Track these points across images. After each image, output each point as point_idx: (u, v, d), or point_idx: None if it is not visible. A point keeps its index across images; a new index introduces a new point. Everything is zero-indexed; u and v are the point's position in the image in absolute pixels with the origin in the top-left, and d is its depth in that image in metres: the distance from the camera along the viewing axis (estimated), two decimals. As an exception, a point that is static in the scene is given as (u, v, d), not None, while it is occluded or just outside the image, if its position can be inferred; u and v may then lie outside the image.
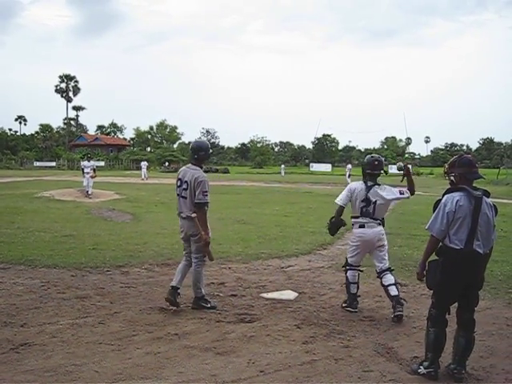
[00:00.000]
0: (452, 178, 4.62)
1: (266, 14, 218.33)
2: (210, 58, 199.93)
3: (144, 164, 47.49)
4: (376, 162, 6.43)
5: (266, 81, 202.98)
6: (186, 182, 6.35)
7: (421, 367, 4.57)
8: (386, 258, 6.41)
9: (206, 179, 6.34)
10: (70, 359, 4.73)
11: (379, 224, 6.36)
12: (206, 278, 7.75)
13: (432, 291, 4.70)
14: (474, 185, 4.54)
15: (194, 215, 6.21)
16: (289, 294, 7.12)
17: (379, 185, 6.37)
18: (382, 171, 6.49)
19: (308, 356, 4.95)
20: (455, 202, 4.40)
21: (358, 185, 6.42)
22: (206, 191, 6.27)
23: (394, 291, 6.14)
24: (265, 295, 7.06)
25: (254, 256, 9.57)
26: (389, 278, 6.25)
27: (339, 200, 6.48)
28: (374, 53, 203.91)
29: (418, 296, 6.94)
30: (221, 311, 6.27)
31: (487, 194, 4.53)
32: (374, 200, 6.26)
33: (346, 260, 6.62)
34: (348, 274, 6.53)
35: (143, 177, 44.23)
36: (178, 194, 6.52)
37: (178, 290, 6.41)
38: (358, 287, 6.54)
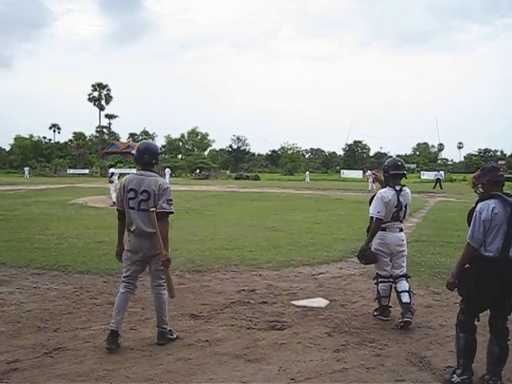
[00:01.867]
0: (481, 188, 4.61)
1: (297, 21, 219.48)
2: (240, 65, 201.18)
3: (168, 171, 49.05)
4: (399, 163, 6.33)
5: (296, 87, 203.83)
6: (145, 191, 5.26)
7: (454, 376, 4.49)
8: (405, 264, 6.35)
9: (170, 186, 5.47)
10: (102, 364, 4.77)
11: (401, 230, 6.33)
12: (236, 285, 7.80)
13: (459, 280, 4.57)
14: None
15: (152, 209, 5.18)
16: (320, 302, 7.08)
17: (405, 186, 6.30)
18: (406, 172, 6.37)
19: (339, 364, 4.90)
20: (491, 209, 4.33)
21: (388, 192, 6.16)
22: (171, 199, 5.34)
23: (405, 298, 6.07)
24: (296, 302, 7.02)
25: (284, 263, 9.54)
26: (403, 285, 6.18)
27: (376, 212, 6.10)
28: (406, 58, 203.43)
29: (451, 304, 6.82)
30: (251, 318, 6.26)
31: None
32: (405, 203, 6.20)
33: (377, 273, 6.46)
34: (379, 287, 6.38)
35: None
36: (130, 208, 5.33)
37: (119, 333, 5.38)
38: (390, 299, 6.38)
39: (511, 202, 4.34)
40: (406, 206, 6.22)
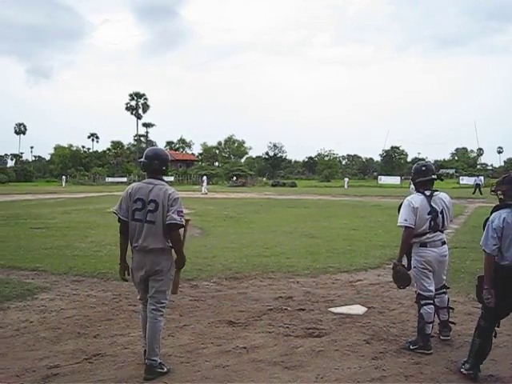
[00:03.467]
0: (501, 196, 4.70)
1: (332, 27, 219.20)
2: (276, 72, 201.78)
3: (205, 179, 49.87)
4: (424, 168, 5.72)
5: (332, 93, 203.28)
6: (153, 201, 4.82)
7: (463, 367, 4.73)
8: (445, 277, 5.91)
9: (179, 196, 4.95)
10: (141, 370, 4.80)
11: (444, 242, 5.66)
12: (273, 292, 7.78)
13: (477, 286, 4.72)
14: None
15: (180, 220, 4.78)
16: (358, 309, 7.02)
17: (438, 191, 5.71)
18: (435, 176, 5.82)
19: (377, 372, 4.84)
20: (502, 218, 4.47)
21: (416, 197, 5.59)
22: (182, 211, 4.88)
23: (443, 315, 5.78)
24: (333, 310, 6.98)
25: (322, 270, 9.50)
26: (443, 300, 5.78)
27: (403, 220, 5.57)
28: (443, 62, 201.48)
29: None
30: (289, 325, 6.23)
31: None
32: (440, 209, 5.55)
33: (418, 294, 5.62)
34: (422, 310, 5.49)
35: (204, 191, 46.40)
36: (136, 220, 4.89)
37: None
38: (433, 325, 5.58)
39: None
40: (442, 213, 5.55)
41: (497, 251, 4.46)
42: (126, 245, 5.10)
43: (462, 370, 4.74)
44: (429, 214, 5.49)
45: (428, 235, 5.52)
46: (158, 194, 4.83)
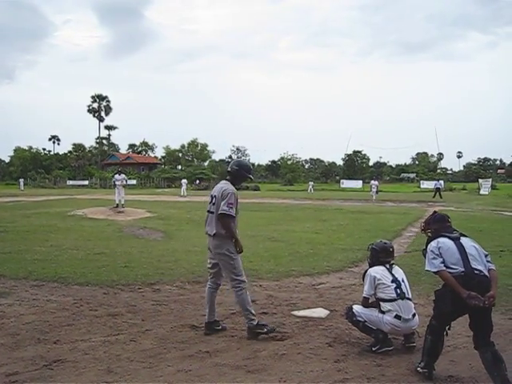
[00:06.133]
0: (429, 233, 5.15)
1: (296, 31, 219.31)
2: (240, 76, 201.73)
3: (184, 182, 50.30)
4: (391, 249, 6.00)
5: (296, 97, 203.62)
6: (214, 196, 6.12)
7: (419, 365, 4.92)
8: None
9: (234, 192, 6.02)
10: (102, 376, 4.75)
11: (414, 315, 5.65)
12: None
13: (434, 304, 4.96)
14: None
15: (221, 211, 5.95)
16: (320, 312, 7.07)
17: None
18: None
19: (340, 374, 4.88)
20: (436, 242, 4.88)
21: (377, 269, 5.79)
22: (232, 203, 5.93)
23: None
24: (296, 313, 7.01)
25: (284, 273, 9.53)
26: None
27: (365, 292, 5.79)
28: (406, 67, 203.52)
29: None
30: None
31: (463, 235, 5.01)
32: (400, 278, 5.73)
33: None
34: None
35: (182, 194, 46.73)
36: (207, 211, 6.25)
37: (216, 322, 6.26)
38: None
39: (453, 237, 4.90)
40: (403, 281, 5.75)
41: (443, 266, 4.71)
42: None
43: (418, 368, 4.90)
44: (392, 283, 5.67)
45: (396, 304, 5.61)
46: (218, 190, 6.13)
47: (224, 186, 6.12)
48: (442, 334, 4.85)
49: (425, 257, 4.98)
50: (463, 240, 4.89)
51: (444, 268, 4.71)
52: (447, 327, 4.84)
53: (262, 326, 6.00)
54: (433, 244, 4.90)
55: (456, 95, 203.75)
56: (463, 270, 4.64)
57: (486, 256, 4.83)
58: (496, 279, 4.72)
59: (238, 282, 6.02)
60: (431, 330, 4.89)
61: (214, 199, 6.11)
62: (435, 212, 5.38)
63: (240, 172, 6.23)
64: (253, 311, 6.07)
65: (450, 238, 4.90)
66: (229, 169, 6.30)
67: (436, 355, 4.87)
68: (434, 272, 4.78)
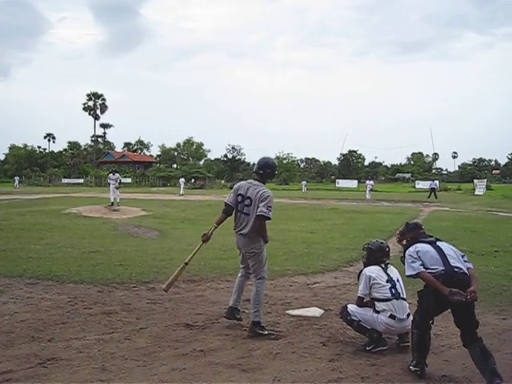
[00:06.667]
0: (405, 242, 5.30)
1: (293, 30, 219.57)
2: (236, 75, 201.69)
3: (182, 181, 50.41)
4: (387, 249, 6.04)
5: (292, 97, 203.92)
6: (248, 197, 6.17)
7: (411, 364, 4.95)
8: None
9: (272, 195, 6.16)
10: (97, 374, 4.75)
11: (409, 315, 5.61)
12: (231, 294, 7.77)
13: (418, 299, 5.07)
14: None
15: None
16: (315, 311, 7.08)
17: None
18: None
19: (334, 374, 4.89)
20: (414, 247, 5.04)
21: (372, 268, 5.83)
22: (271, 206, 6.06)
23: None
24: (290, 312, 7.02)
25: (279, 273, 9.53)
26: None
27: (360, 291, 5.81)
28: (402, 67, 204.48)
29: (446, 314, 6.82)
30: (246, 328, 6.24)
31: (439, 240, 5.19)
32: (395, 278, 5.77)
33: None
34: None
35: (181, 192, 46.64)
36: (238, 211, 6.28)
37: (238, 310, 6.47)
38: None
39: (429, 241, 5.10)
40: (398, 281, 5.78)
41: (423, 268, 4.83)
42: (221, 222, 6.42)
43: (410, 367, 4.94)
44: (387, 282, 5.71)
45: (391, 304, 5.65)
46: (253, 193, 6.18)
47: (259, 188, 6.19)
48: (428, 327, 4.95)
49: (404, 264, 5.10)
50: (440, 243, 5.08)
51: (423, 269, 4.82)
52: (430, 321, 4.96)
53: (264, 328, 6.09)
54: (410, 249, 5.04)
55: (452, 95, 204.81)
56: (443, 268, 4.79)
57: (462, 256, 5.00)
58: (475, 276, 4.87)
59: (260, 277, 6.24)
60: (415, 324, 4.99)
61: (247, 200, 6.19)
62: (407, 223, 5.54)
63: (269, 172, 6.36)
64: (262, 310, 6.21)
65: (426, 242, 5.07)
66: (260, 171, 6.33)
67: (425, 349, 4.93)
68: (414, 275, 4.88)
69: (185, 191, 48.71)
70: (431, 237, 5.20)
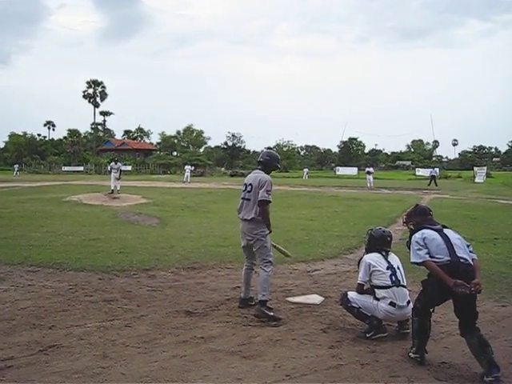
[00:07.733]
0: (411, 226, 5.31)
1: (294, 17, 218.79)
2: (236, 62, 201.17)
3: (188, 168, 48.31)
4: (388, 238, 6.02)
5: (292, 84, 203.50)
6: (250, 184, 6.55)
7: (411, 351, 4.99)
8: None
9: (271, 180, 6.47)
10: (97, 361, 4.77)
11: (409, 302, 5.62)
12: (231, 282, 7.80)
13: (422, 289, 5.06)
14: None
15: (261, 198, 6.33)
16: (315, 299, 7.10)
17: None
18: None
19: (334, 360, 4.92)
20: (421, 233, 5.00)
21: (372, 255, 5.85)
22: (270, 190, 6.36)
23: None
24: (291, 299, 7.04)
25: (279, 260, 9.48)
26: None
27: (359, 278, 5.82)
28: (403, 54, 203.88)
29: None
30: (246, 315, 6.27)
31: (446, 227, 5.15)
32: (396, 265, 5.78)
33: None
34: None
35: (185, 180, 45.22)
36: (242, 198, 6.64)
37: (251, 298, 6.79)
38: None
39: (436, 228, 5.05)
40: (399, 268, 5.80)
41: (428, 256, 4.80)
42: None
43: (410, 354, 4.98)
44: (388, 270, 5.72)
45: (391, 291, 5.66)
46: (254, 179, 6.54)
47: (259, 175, 6.55)
48: (428, 315, 4.94)
49: (409, 248, 5.08)
50: (447, 231, 5.03)
51: (429, 258, 4.80)
52: (431, 309, 4.95)
53: (270, 308, 6.31)
54: (417, 235, 5.00)
55: (452, 83, 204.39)
56: (449, 258, 4.75)
57: (468, 246, 4.95)
58: (479, 268, 4.82)
59: (267, 261, 6.44)
60: (416, 312, 4.99)
61: (249, 187, 6.55)
62: (417, 205, 5.49)
63: (271, 162, 6.69)
64: (269, 291, 6.45)
65: (433, 229, 5.01)
66: (261, 159, 6.72)
67: (425, 337, 4.94)
68: (420, 263, 4.85)
69: (191, 179, 46.52)
70: (438, 223, 5.16)
